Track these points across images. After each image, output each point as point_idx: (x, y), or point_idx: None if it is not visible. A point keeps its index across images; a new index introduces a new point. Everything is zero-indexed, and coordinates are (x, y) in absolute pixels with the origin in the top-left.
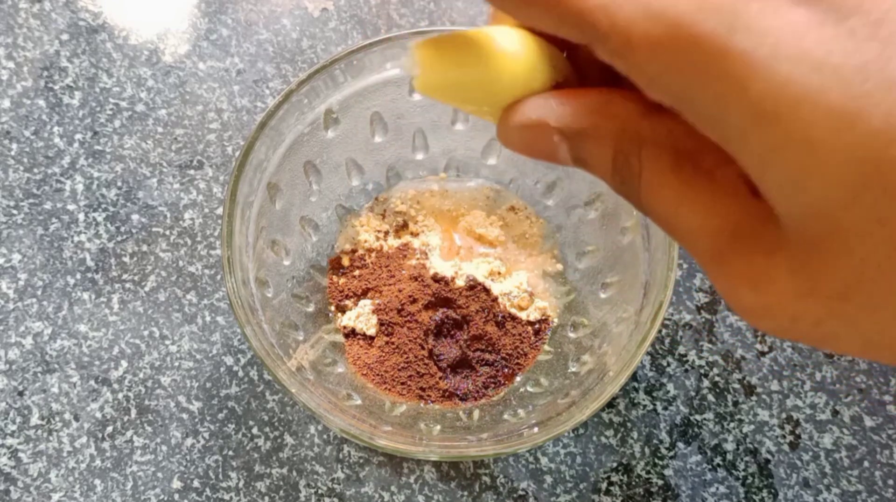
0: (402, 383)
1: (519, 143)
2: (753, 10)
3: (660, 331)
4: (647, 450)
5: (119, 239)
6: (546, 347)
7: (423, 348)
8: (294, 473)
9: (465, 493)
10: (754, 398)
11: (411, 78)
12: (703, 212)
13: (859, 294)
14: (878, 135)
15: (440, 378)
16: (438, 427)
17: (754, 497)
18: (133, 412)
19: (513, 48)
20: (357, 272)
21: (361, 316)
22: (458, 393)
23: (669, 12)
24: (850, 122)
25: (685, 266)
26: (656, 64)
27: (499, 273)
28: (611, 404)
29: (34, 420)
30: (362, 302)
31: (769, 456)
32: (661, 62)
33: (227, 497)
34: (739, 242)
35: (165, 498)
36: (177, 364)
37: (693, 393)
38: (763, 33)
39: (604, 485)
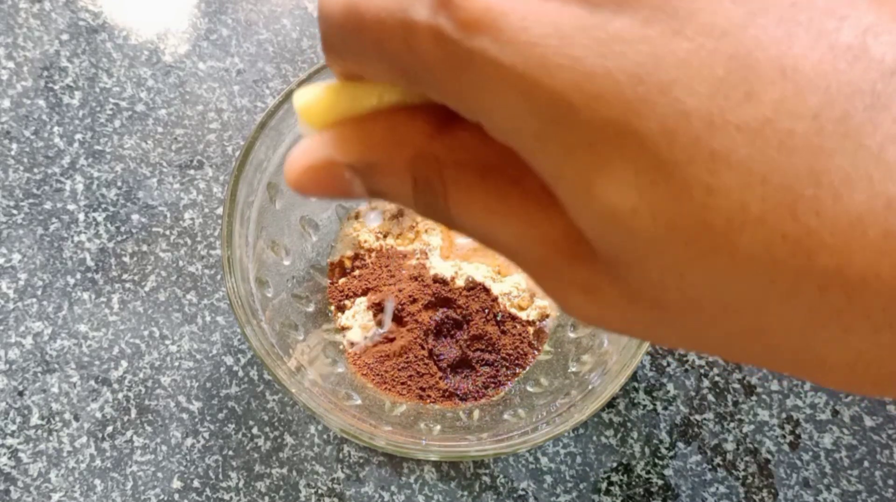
0: (402, 383)
1: (307, 185)
2: (515, 21)
3: None
4: (647, 450)
5: (119, 239)
6: (546, 347)
7: (423, 348)
8: (294, 473)
9: (465, 493)
10: (754, 398)
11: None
12: (519, 223)
13: (670, 303)
14: (656, 139)
15: (440, 378)
16: (438, 427)
17: (754, 497)
18: (133, 412)
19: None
20: (357, 272)
21: (358, 313)
22: (458, 393)
23: (447, 32)
24: (627, 127)
25: None
26: (451, 85)
27: (498, 272)
28: (611, 404)
29: (34, 420)
30: (358, 299)
31: (769, 456)
32: (453, 84)
33: (227, 497)
34: (561, 252)
35: (165, 498)
36: (177, 364)
37: (693, 393)
38: (529, 44)
39: (604, 485)
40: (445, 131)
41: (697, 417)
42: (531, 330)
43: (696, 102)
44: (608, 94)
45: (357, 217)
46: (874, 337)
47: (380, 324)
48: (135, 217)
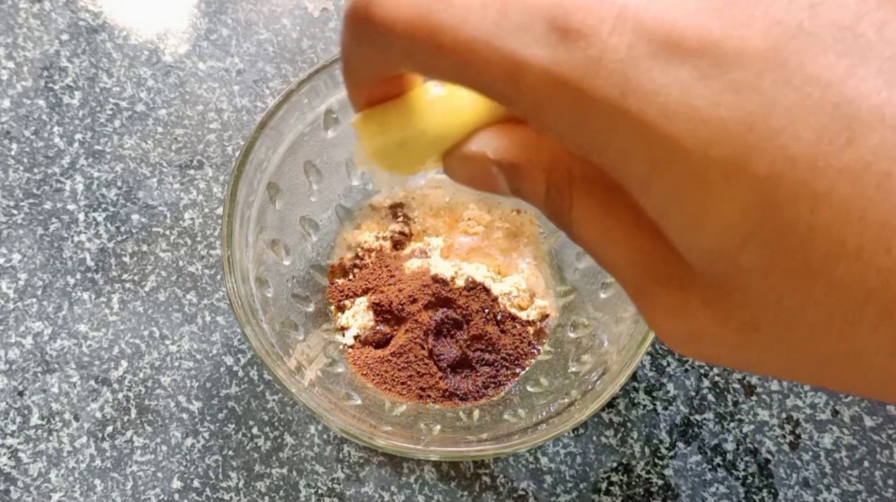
0: (402, 383)
1: (462, 175)
2: (643, 71)
3: None
4: (647, 450)
5: (119, 239)
6: (546, 347)
7: (423, 348)
8: (294, 473)
9: (465, 493)
10: (754, 398)
11: (357, 156)
12: (627, 246)
13: (766, 325)
14: (764, 182)
15: (440, 378)
16: (438, 427)
17: (754, 497)
18: (133, 412)
19: (442, 96)
20: (357, 272)
21: (358, 313)
22: (458, 393)
23: (568, 76)
24: (737, 171)
25: None
26: (563, 123)
27: (498, 272)
28: (611, 404)
29: (34, 420)
30: (358, 300)
31: (769, 456)
32: (566, 122)
33: (227, 497)
34: (659, 276)
35: (165, 498)
36: (177, 364)
37: (693, 393)
38: (653, 93)
39: (604, 485)
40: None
41: (697, 417)
42: (531, 330)
43: (802, 148)
44: (721, 140)
45: (356, 217)
46: None
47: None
48: (135, 217)
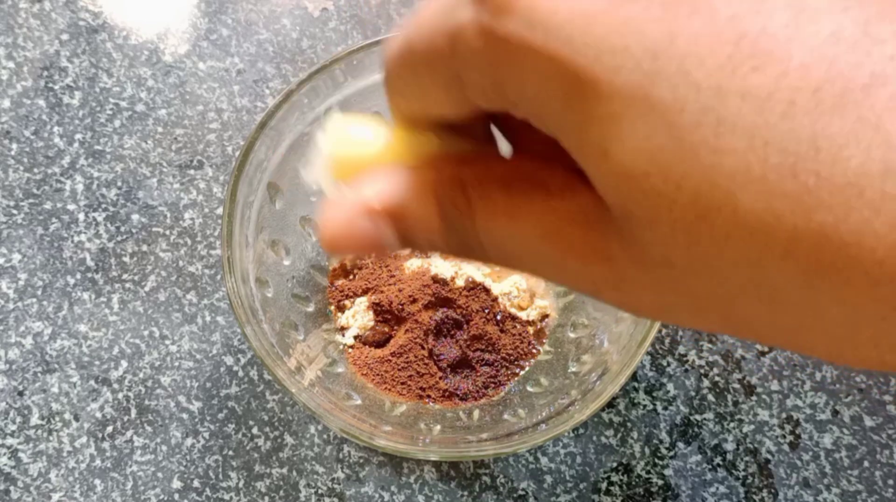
0: (402, 383)
1: (344, 242)
2: (548, 8)
3: (660, 331)
4: (647, 450)
5: (119, 239)
6: (546, 347)
7: (423, 348)
8: (294, 473)
9: (465, 493)
10: (754, 398)
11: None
12: (541, 213)
13: (678, 259)
14: (668, 107)
15: (440, 378)
16: (438, 427)
17: (754, 497)
18: (133, 412)
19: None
20: (357, 272)
21: (358, 313)
22: (458, 393)
23: (486, 25)
24: (642, 97)
25: None
26: (488, 73)
27: (498, 272)
28: (611, 404)
29: (34, 420)
30: (358, 299)
31: (769, 456)
32: (490, 72)
33: (227, 497)
34: (579, 223)
35: (165, 498)
36: (177, 364)
37: (693, 393)
38: (558, 27)
39: (604, 485)
40: (468, 159)
41: (697, 417)
42: (531, 330)
43: (706, 73)
44: (626, 67)
45: None
46: (869, 291)
47: None
48: (135, 217)
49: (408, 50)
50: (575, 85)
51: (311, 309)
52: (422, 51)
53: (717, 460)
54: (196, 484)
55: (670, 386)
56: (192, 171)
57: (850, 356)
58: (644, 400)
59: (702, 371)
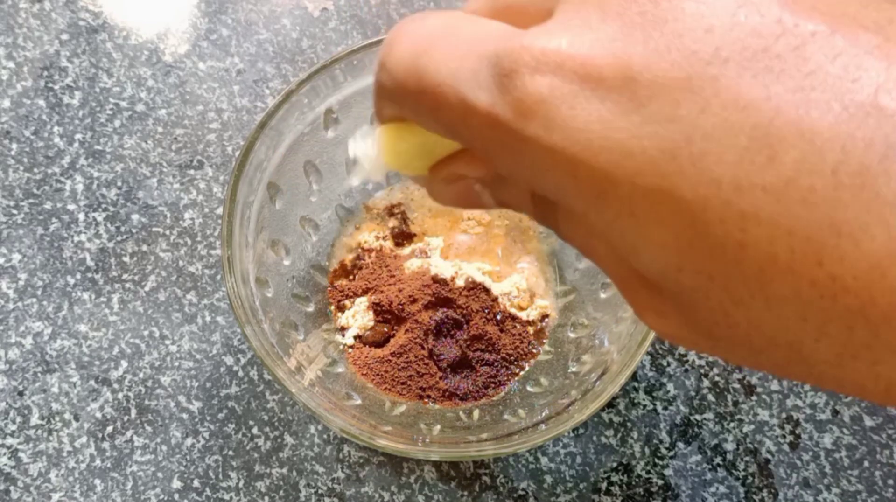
0: (402, 383)
1: (447, 195)
2: (565, 109)
3: None
4: (647, 450)
5: (119, 239)
6: (546, 347)
7: (423, 348)
8: (294, 473)
9: (465, 493)
10: (754, 398)
11: (371, 158)
12: (610, 256)
13: (722, 336)
14: (691, 206)
15: (440, 378)
16: (438, 427)
17: (754, 497)
18: (133, 412)
19: None
20: (357, 272)
21: (358, 313)
22: (458, 393)
23: (502, 118)
24: (664, 198)
25: None
26: (506, 162)
27: (498, 272)
28: (611, 404)
29: (34, 420)
30: (358, 300)
31: (769, 456)
32: (508, 161)
33: (227, 497)
34: (641, 281)
35: (165, 498)
36: (177, 364)
37: (693, 393)
38: (577, 130)
39: (604, 485)
40: None
41: (697, 417)
42: (531, 330)
43: (725, 169)
44: (646, 169)
45: (356, 218)
46: None
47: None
48: (135, 217)
49: (416, 78)
50: (597, 187)
51: (311, 309)
52: (430, 93)
53: (717, 460)
54: (196, 484)
55: (670, 386)
56: (192, 171)
57: (883, 402)
58: (644, 400)
59: (702, 371)
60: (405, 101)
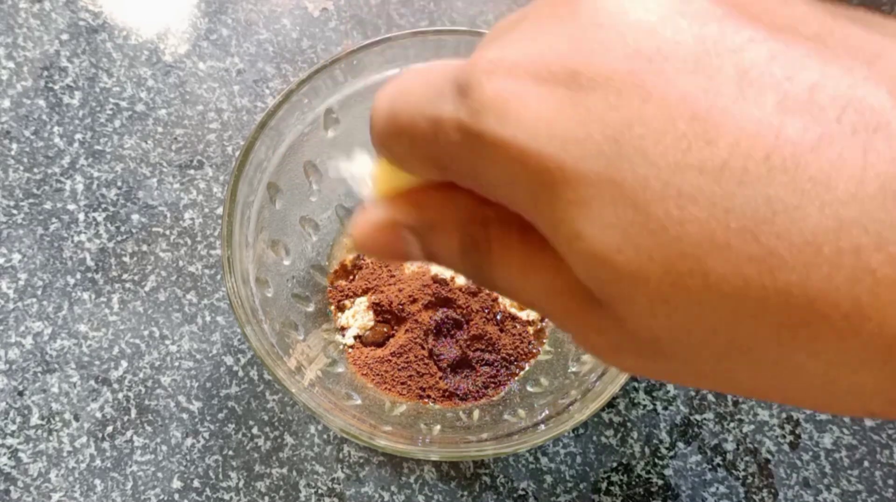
0: (402, 383)
1: (374, 246)
2: (515, 105)
3: None
4: (647, 450)
5: (119, 239)
6: (546, 347)
7: (423, 348)
8: (294, 473)
9: (465, 493)
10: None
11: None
12: (547, 277)
13: (660, 331)
14: (632, 186)
15: (440, 378)
16: (438, 427)
17: (754, 497)
18: (133, 412)
19: None
20: (357, 272)
21: (358, 313)
22: (458, 393)
23: (465, 121)
24: (607, 179)
25: None
26: (469, 165)
27: None
28: (611, 404)
29: (34, 420)
30: (358, 299)
31: (769, 456)
32: (471, 164)
33: (227, 497)
34: (579, 298)
35: (165, 498)
36: (177, 364)
37: (693, 393)
38: (526, 121)
39: (604, 485)
40: (491, 201)
41: (697, 417)
42: (531, 330)
43: (663, 151)
44: (591, 153)
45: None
46: (839, 344)
47: None
48: (135, 217)
49: (393, 122)
50: (544, 174)
51: (311, 309)
52: (406, 128)
53: (717, 460)
54: (196, 484)
55: (670, 386)
56: (192, 171)
57: (835, 407)
58: (644, 400)
59: None
60: (392, 145)
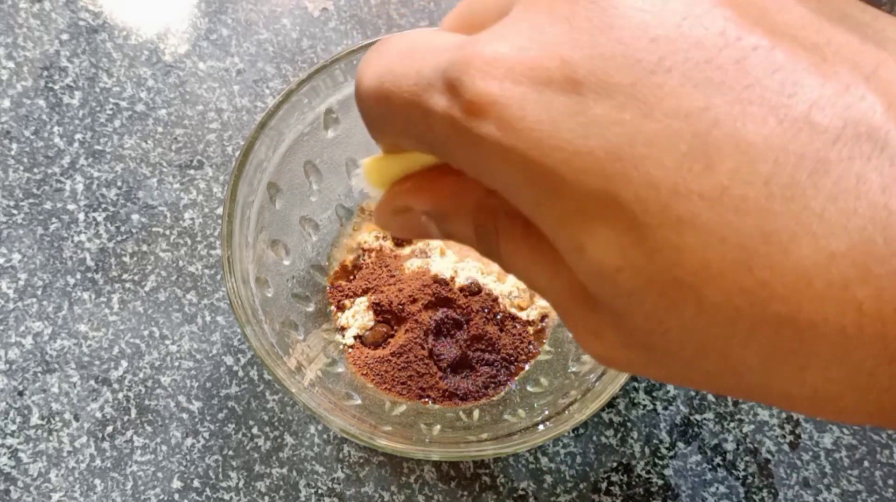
0: (402, 383)
1: (395, 228)
2: (515, 110)
3: None
4: (647, 450)
5: (119, 239)
6: (546, 347)
7: (423, 348)
8: (294, 473)
9: (465, 493)
10: None
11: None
12: (550, 273)
13: (657, 346)
14: (632, 207)
15: (440, 378)
16: (438, 427)
17: (754, 497)
18: (133, 412)
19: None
20: (357, 272)
21: (358, 313)
22: (458, 393)
23: (458, 120)
24: (608, 197)
25: None
26: (465, 162)
27: (498, 275)
28: (611, 404)
29: (34, 420)
30: (358, 299)
31: (769, 456)
32: (467, 161)
33: (227, 497)
34: (578, 299)
35: (165, 498)
36: (177, 364)
37: (693, 393)
38: (527, 129)
39: (604, 485)
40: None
41: (697, 417)
42: (531, 330)
43: (664, 174)
44: (592, 169)
45: (356, 218)
46: (824, 372)
47: None
48: (135, 217)
49: (383, 96)
50: (545, 183)
51: (311, 309)
52: (398, 111)
53: (717, 460)
54: (196, 484)
55: (670, 386)
56: (192, 171)
57: (825, 415)
58: (644, 400)
59: None
60: (382, 125)
